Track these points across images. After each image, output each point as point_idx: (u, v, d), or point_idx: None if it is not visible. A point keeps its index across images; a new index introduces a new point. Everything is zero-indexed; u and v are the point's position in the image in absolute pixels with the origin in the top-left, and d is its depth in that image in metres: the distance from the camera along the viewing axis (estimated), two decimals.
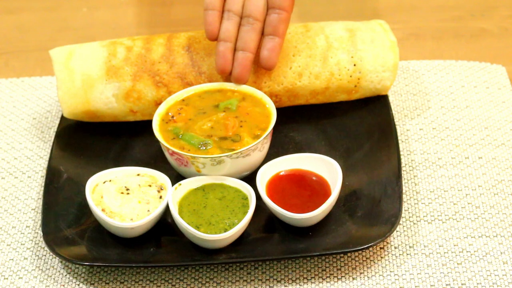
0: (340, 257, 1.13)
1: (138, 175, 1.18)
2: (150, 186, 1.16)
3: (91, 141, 1.27)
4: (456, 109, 1.32)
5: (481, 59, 1.40)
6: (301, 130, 1.28)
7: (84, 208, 1.17)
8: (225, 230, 1.10)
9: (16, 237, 1.18)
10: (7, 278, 1.13)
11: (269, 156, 1.20)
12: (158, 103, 1.24)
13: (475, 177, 1.22)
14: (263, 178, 1.16)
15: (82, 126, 1.29)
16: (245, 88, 1.23)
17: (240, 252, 1.11)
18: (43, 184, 1.23)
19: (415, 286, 1.10)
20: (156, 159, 1.23)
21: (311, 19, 1.44)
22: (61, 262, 1.15)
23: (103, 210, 1.13)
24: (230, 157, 1.15)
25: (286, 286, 1.11)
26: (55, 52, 1.28)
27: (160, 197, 1.15)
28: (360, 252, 1.13)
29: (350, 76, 1.27)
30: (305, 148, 1.25)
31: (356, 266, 1.12)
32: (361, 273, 1.11)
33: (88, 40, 1.36)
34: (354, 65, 1.26)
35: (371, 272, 1.11)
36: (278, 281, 1.11)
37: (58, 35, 1.54)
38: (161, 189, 1.16)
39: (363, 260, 1.13)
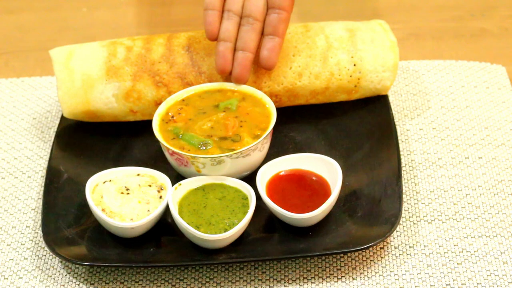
0: (340, 257, 1.13)
1: (138, 175, 1.18)
2: (150, 186, 1.16)
3: (91, 141, 1.27)
4: (456, 109, 1.32)
5: (481, 59, 1.40)
6: (301, 130, 1.28)
7: (84, 208, 1.17)
8: (225, 230, 1.10)
9: (16, 237, 1.18)
10: (7, 278, 1.13)
11: (269, 156, 1.20)
12: (158, 103, 1.24)
13: (475, 177, 1.22)
14: (263, 178, 1.16)
15: (82, 126, 1.29)
16: (245, 88, 1.23)
17: (240, 252, 1.11)
18: (43, 184, 1.23)
19: (415, 286, 1.10)
20: (156, 159, 1.23)
21: (311, 19, 1.44)
22: (61, 262, 1.15)
23: (103, 210, 1.13)
24: (230, 157, 1.15)
25: (286, 286, 1.11)
26: (55, 52, 1.28)
27: (160, 197, 1.15)
28: (360, 252, 1.13)
29: (350, 76, 1.27)
30: (305, 148, 1.25)
31: (356, 266, 1.12)
32: (361, 273, 1.11)
33: (88, 40, 1.36)
34: (354, 65, 1.26)
35: (371, 272, 1.11)
36: (278, 281, 1.11)
37: (58, 35, 1.54)
38: (161, 189, 1.16)
39: (363, 260, 1.13)
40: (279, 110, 1.23)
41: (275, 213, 1.13)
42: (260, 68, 1.24)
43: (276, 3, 1.21)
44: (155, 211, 1.12)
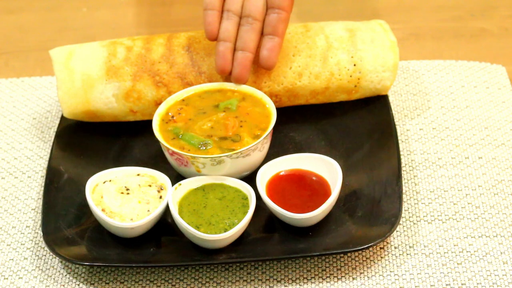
0: (340, 257, 1.13)
1: (138, 175, 1.18)
2: (150, 186, 1.16)
3: (91, 141, 1.27)
4: (456, 109, 1.32)
5: (481, 59, 1.40)
6: (301, 130, 1.28)
7: (84, 208, 1.17)
8: (225, 230, 1.10)
9: (16, 237, 1.18)
10: (7, 278, 1.13)
11: (269, 156, 1.20)
12: (158, 103, 1.24)
13: (475, 177, 1.22)
14: (263, 178, 1.16)
15: (82, 126, 1.29)
16: (245, 88, 1.23)
17: (240, 252, 1.11)
18: (43, 184, 1.23)
19: (415, 286, 1.10)
20: (156, 159, 1.23)
21: (311, 19, 1.44)
22: (61, 262, 1.15)
23: (103, 210, 1.13)
24: (230, 157, 1.15)
25: (286, 286, 1.11)
26: (55, 52, 1.28)
27: (160, 197, 1.15)
28: (360, 252, 1.13)
29: (350, 76, 1.27)
30: (305, 148, 1.25)
31: (356, 266, 1.12)
32: (361, 273, 1.11)
33: (88, 40, 1.36)
34: (354, 65, 1.26)
35: (371, 272, 1.11)
36: (278, 281, 1.11)
37: (58, 35, 1.54)
38: (161, 189, 1.16)
39: (363, 260, 1.13)
40: (279, 110, 1.23)
41: (275, 213, 1.13)
42: (260, 68, 1.24)
43: (275, 3, 1.21)
44: (155, 211, 1.12)
